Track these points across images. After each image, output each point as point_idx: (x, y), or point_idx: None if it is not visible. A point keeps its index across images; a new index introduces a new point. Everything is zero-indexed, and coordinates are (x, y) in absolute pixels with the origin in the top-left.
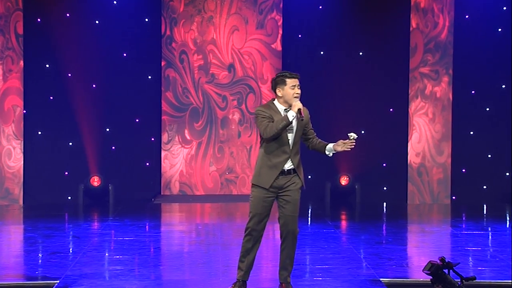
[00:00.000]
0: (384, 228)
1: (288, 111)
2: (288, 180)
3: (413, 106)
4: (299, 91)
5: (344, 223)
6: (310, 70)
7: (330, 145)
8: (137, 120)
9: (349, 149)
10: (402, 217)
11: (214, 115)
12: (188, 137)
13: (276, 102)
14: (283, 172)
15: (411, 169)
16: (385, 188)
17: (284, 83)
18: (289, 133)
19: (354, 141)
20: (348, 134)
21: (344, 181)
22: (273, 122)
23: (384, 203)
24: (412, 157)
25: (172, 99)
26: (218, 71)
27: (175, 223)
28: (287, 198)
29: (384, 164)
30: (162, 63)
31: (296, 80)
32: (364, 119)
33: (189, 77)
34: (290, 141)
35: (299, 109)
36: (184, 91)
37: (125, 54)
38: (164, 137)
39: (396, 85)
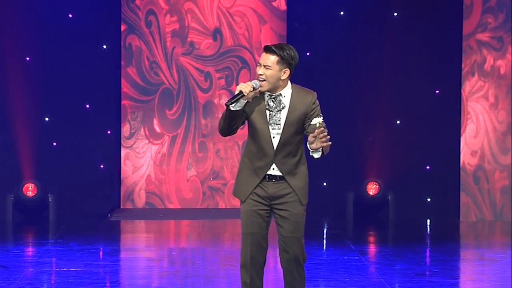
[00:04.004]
0: (427, 254)
1: (274, 97)
2: (282, 188)
3: (467, 87)
4: (262, 71)
5: (372, 248)
6: (325, 37)
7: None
8: (87, 106)
9: (325, 142)
10: (452, 240)
11: (194, 99)
12: (158, 130)
13: None
14: (273, 177)
15: (465, 174)
16: (428, 200)
17: None
18: (273, 128)
19: (323, 128)
20: (311, 123)
21: (372, 190)
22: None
23: (428, 220)
24: (467, 157)
25: (135, 77)
26: (199, 39)
27: (140, 247)
28: (285, 214)
29: (428, 167)
30: (122, 28)
31: (268, 56)
32: (399, 105)
33: (159, 46)
34: (275, 139)
35: (240, 92)
36: (152, 66)
37: (70, 15)
38: (125, 130)
39: (444, 57)
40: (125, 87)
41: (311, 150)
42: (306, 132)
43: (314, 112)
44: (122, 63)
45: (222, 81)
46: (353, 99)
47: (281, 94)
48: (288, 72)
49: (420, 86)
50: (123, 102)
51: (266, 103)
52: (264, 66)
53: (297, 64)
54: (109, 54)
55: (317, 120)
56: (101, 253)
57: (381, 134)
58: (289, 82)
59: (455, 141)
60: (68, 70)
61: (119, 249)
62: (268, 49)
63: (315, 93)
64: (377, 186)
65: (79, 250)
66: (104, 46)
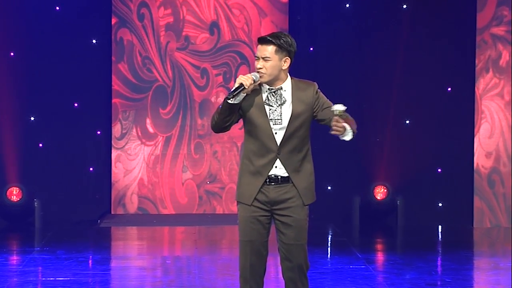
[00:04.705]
0: (439, 263)
1: (274, 91)
2: (284, 191)
3: (481, 84)
4: (262, 65)
5: (380, 256)
6: (330, 31)
7: None
8: (75, 105)
9: (339, 131)
10: (465, 247)
11: (190, 97)
12: (151, 130)
13: None
14: (274, 180)
15: (479, 177)
16: (440, 205)
17: None
18: (274, 123)
19: (339, 117)
20: (331, 109)
21: (380, 194)
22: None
23: (439, 227)
24: (481, 159)
25: (127, 73)
26: (195, 33)
27: (132, 255)
28: (287, 220)
29: (439, 170)
30: (113, 21)
31: (265, 47)
32: (409, 103)
33: (153, 41)
34: (278, 135)
35: (241, 85)
36: (145, 61)
37: (57, 8)
38: (116, 130)
39: (456, 53)
40: (116, 85)
41: (342, 137)
42: (321, 120)
43: (319, 101)
44: (113, 58)
45: (220, 78)
46: (359, 98)
47: (281, 88)
48: (288, 61)
49: (431, 83)
50: (113, 100)
51: (265, 98)
52: (263, 58)
53: (296, 50)
54: (99, 49)
55: (336, 108)
56: (90, 261)
57: (389, 135)
58: (288, 75)
59: (469, 142)
60: (55, 67)
61: (110, 257)
62: (263, 40)
63: (315, 83)
64: (385, 190)
65: (66, 259)
66: (94, 41)
